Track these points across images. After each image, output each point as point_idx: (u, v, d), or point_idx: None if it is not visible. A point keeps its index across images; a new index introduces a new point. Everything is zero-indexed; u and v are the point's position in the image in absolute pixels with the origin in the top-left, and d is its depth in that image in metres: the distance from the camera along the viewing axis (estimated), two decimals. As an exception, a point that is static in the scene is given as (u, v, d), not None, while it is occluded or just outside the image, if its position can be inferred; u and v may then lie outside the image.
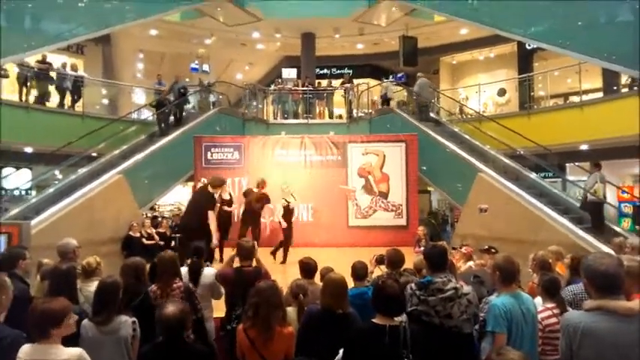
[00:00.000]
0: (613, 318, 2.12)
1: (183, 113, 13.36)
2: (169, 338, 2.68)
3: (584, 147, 11.62)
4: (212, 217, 6.62)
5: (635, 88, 10.38)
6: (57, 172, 10.79)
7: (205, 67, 18.28)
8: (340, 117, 16.01)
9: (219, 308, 4.42)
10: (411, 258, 6.24)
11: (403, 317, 2.80)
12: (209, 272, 4.37)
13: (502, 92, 17.08)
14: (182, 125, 12.56)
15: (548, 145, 10.78)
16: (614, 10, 8.11)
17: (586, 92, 12.59)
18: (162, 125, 12.40)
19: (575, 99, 12.63)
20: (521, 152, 10.92)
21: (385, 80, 15.86)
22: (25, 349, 2.53)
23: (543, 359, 3.37)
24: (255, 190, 9.00)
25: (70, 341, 2.66)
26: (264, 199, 8.81)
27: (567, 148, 11.57)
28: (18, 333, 2.61)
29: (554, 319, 3.42)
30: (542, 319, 3.39)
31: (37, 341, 2.52)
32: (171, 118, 12.98)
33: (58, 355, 2.52)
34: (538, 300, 3.68)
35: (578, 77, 11.93)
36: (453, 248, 7.84)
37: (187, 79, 16.84)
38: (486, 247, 6.36)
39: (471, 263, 7.32)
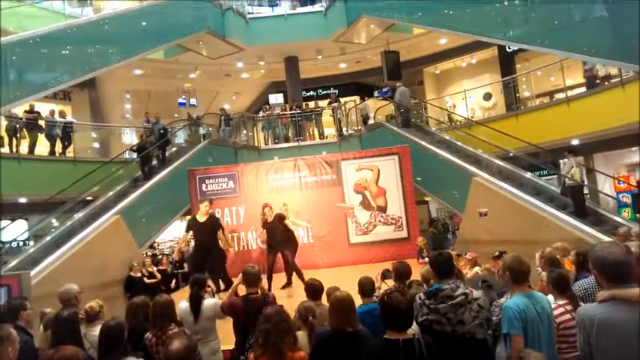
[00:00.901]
0: (628, 307, 2.10)
1: (167, 154, 13.01)
2: None
3: (575, 142, 11.70)
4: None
5: (613, 81, 10.48)
6: (53, 220, 10.71)
7: (193, 101, 18.36)
8: (328, 137, 16.08)
9: (228, 340, 4.34)
10: (417, 270, 6.20)
11: (415, 329, 2.75)
12: (209, 303, 4.24)
13: (488, 96, 17.26)
14: (168, 165, 12.28)
15: (539, 144, 10.86)
16: (588, 7, 8.28)
17: (570, 88, 12.72)
18: (146, 169, 12.00)
19: (560, 96, 12.76)
20: (514, 153, 10.99)
21: (360, 101, 16.00)
22: None
23: (561, 357, 3.31)
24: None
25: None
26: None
27: (558, 144, 11.63)
28: None
29: (567, 316, 3.37)
30: (555, 316, 3.31)
31: None
32: (154, 161, 12.58)
33: None
34: (550, 298, 3.63)
35: (562, 74, 12.08)
36: (458, 255, 7.82)
37: (176, 115, 16.90)
38: (497, 253, 6.34)
39: (477, 269, 7.27)
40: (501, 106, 15.80)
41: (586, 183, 9.32)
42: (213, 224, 8.30)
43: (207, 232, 8.15)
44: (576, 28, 8.50)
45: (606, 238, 7.22)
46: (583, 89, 11.77)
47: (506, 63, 17.29)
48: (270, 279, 7.87)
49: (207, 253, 8.05)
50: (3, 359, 2.61)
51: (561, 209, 8.79)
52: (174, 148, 13.99)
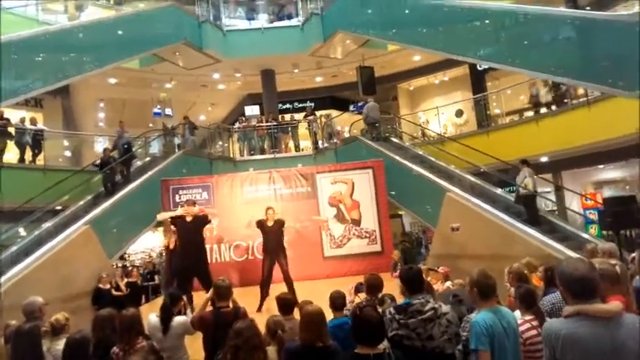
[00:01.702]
0: (593, 322, 2.15)
1: (131, 169, 12.47)
2: None
3: (543, 159, 12.04)
4: None
5: (579, 100, 10.91)
6: (20, 230, 10.41)
7: (168, 111, 18.20)
8: (304, 149, 16.15)
9: (198, 355, 4.27)
10: (390, 284, 6.24)
11: (385, 344, 2.78)
12: (180, 320, 4.19)
13: (460, 113, 17.67)
14: (139, 176, 11.91)
15: (509, 160, 11.12)
16: (557, 28, 8.63)
17: (539, 106, 13.16)
18: (109, 185, 11.53)
19: (529, 114, 13.16)
20: (485, 169, 11.23)
21: (326, 119, 16.12)
22: None
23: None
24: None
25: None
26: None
27: (528, 161, 11.95)
28: None
29: (534, 332, 3.42)
30: (521, 332, 3.36)
31: None
32: (117, 176, 12.08)
33: None
34: (517, 313, 3.70)
35: (529, 93, 12.46)
36: (430, 269, 7.92)
37: (151, 124, 16.73)
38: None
39: (448, 283, 7.39)
40: (472, 123, 16.18)
41: (537, 192, 9.76)
42: (200, 222, 7.82)
43: (194, 231, 7.72)
44: (545, 48, 8.82)
45: (575, 255, 7.43)
46: (553, 107, 12.18)
47: (478, 81, 17.73)
48: (268, 286, 7.70)
49: (196, 256, 7.59)
50: None
51: (531, 225, 9.01)
52: (147, 158, 13.79)
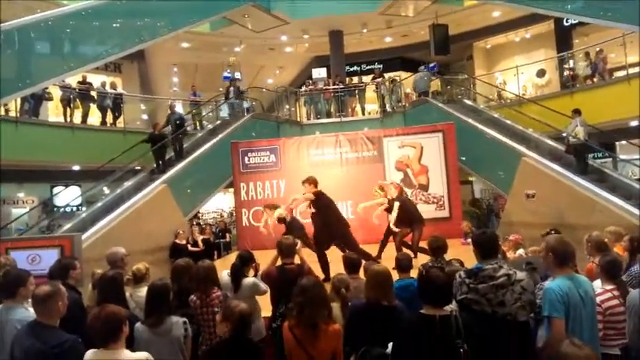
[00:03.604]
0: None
1: (184, 145, 12.05)
2: (239, 332, 2.78)
3: (634, 123, 11.01)
4: None
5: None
6: (104, 188, 11.21)
7: (237, 75, 18.50)
8: (371, 113, 15.84)
9: (268, 308, 4.42)
10: (459, 250, 6.08)
11: (453, 305, 2.70)
12: (249, 282, 4.22)
13: (542, 73, 16.43)
14: (185, 158, 11.51)
15: (594, 124, 10.28)
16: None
17: (632, 65, 11.94)
18: (160, 163, 11.14)
19: (620, 74, 11.99)
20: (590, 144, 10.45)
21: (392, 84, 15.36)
22: (92, 354, 2.61)
23: (607, 345, 3.18)
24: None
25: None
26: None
27: (615, 125, 11.01)
28: (75, 338, 2.71)
29: (615, 301, 3.23)
30: (601, 301, 3.20)
31: (103, 347, 2.58)
32: (171, 153, 11.77)
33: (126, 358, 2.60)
34: (597, 283, 3.48)
35: (623, 50, 11.31)
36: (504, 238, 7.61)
37: (221, 88, 17.08)
38: (548, 230, 6.15)
39: (521, 251, 7.08)
40: (555, 84, 15.07)
41: (588, 141, 9.52)
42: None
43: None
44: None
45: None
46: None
47: (563, 38, 16.39)
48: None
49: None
50: (53, 311, 2.76)
51: (616, 194, 8.36)
52: (218, 122, 14.16)
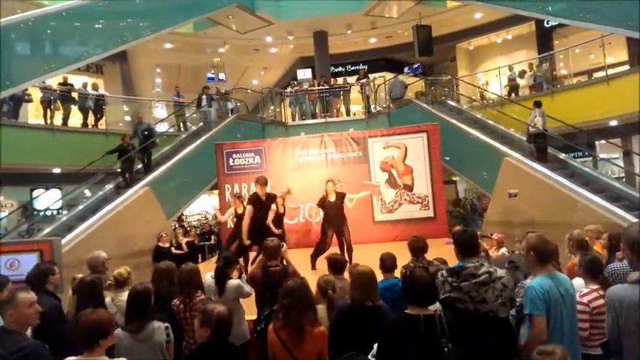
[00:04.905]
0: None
1: (152, 157, 11.51)
2: (218, 336, 2.74)
3: (613, 123, 11.22)
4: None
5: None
6: (85, 190, 11.03)
7: (221, 76, 18.39)
8: (356, 113, 15.88)
9: (252, 311, 4.39)
10: (442, 249, 6.12)
11: (437, 305, 2.71)
12: (234, 284, 4.16)
13: (523, 74, 16.63)
14: (152, 171, 10.97)
15: (575, 124, 10.46)
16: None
17: (611, 66, 12.16)
18: (127, 175, 10.63)
19: (600, 74, 12.21)
20: (549, 133, 10.62)
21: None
22: None
23: (589, 345, 3.22)
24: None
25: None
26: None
27: (595, 125, 11.20)
28: (38, 344, 2.66)
29: (601, 301, 3.25)
30: (589, 301, 3.26)
31: (83, 353, 2.53)
32: (139, 165, 11.38)
33: None
34: (577, 281, 3.53)
35: (602, 51, 11.52)
36: (484, 236, 7.68)
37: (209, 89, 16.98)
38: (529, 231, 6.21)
39: (503, 250, 7.15)
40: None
41: (547, 130, 10.03)
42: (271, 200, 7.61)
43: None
44: (621, 0, 8.02)
45: None
46: (625, 67, 11.25)
47: (544, 39, 16.63)
48: (324, 249, 7.64)
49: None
50: (16, 317, 2.70)
51: (596, 192, 8.50)
52: (201, 123, 14.00)
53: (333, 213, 7.79)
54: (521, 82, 14.42)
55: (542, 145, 9.92)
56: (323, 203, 7.89)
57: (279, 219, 8.11)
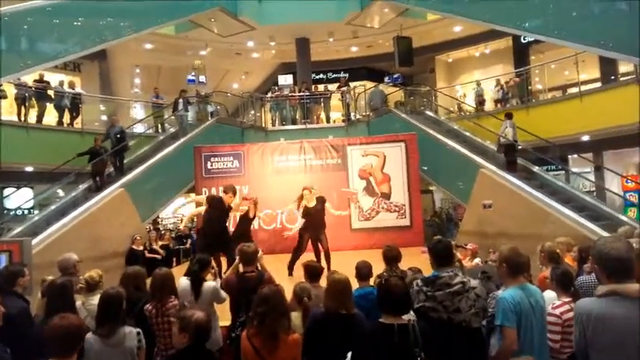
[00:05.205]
0: (627, 302, 2.07)
1: (125, 161, 11.37)
2: (197, 343, 2.71)
3: (585, 138, 11.55)
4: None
5: (634, 76, 10.35)
6: (58, 190, 10.78)
7: (202, 78, 18.25)
8: (336, 121, 15.97)
9: (225, 317, 4.35)
10: (419, 258, 6.18)
11: (411, 315, 2.74)
12: (209, 287, 4.11)
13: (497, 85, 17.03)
14: (125, 175, 10.79)
15: (548, 138, 10.73)
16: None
17: (584, 83, 12.54)
18: (98, 178, 10.43)
19: (573, 90, 12.58)
20: (523, 146, 10.88)
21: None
22: None
23: (558, 357, 3.28)
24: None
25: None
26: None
27: (568, 139, 11.51)
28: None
29: (572, 313, 3.31)
30: (561, 313, 3.33)
31: (56, 358, 2.48)
32: (110, 168, 11.19)
33: None
34: (548, 293, 3.60)
35: (576, 68, 11.87)
36: (458, 246, 7.80)
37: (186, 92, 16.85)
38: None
39: (477, 260, 7.28)
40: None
41: (517, 141, 10.36)
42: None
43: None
44: (595, 20, 8.30)
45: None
46: (597, 84, 11.61)
47: (521, 54, 17.06)
48: (300, 254, 7.58)
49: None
50: None
51: (567, 205, 8.73)
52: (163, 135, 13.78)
53: (314, 219, 7.70)
54: (498, 95, 14.71)
55: (511, 157, 10.20)
56: (307, 211, 7.72)
57: (246, 222, 8.06)
